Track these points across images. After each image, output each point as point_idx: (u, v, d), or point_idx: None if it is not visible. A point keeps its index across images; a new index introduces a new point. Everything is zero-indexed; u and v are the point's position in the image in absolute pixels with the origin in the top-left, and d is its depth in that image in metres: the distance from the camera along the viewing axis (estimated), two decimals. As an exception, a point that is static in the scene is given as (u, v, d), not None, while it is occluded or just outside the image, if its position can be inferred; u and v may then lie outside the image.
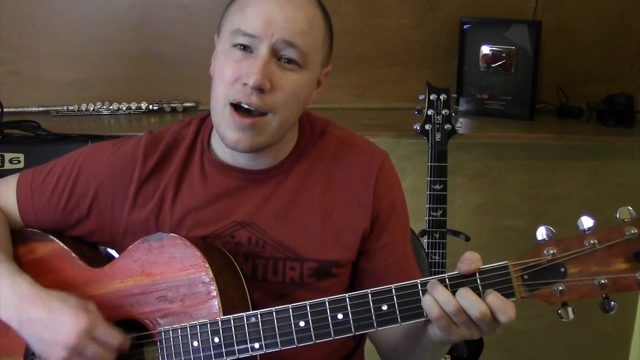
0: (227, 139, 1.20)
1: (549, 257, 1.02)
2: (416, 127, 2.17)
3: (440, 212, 2.13)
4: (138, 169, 1.29)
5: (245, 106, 1.17)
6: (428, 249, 2.12)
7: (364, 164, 1.31)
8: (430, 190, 2.13)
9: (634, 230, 0.99)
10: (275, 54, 1.16)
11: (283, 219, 1.26)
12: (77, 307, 1.15)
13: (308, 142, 1.31)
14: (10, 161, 2.03)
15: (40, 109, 2.46)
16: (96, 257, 1.32)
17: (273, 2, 1.16)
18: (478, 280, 1.05)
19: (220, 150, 1.29)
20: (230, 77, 1.18)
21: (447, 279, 1.06)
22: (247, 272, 1.25)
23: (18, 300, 1.17)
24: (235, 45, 1.17)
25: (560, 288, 1.02)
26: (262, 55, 1.15)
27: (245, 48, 1.17)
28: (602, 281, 1.01)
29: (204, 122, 1.34)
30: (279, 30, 1.15)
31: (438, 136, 2.15)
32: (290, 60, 1.17)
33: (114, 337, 1.16)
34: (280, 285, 1.27)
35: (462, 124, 2.21)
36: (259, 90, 1.15)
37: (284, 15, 1.15)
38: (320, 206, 1.27)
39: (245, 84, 1.16)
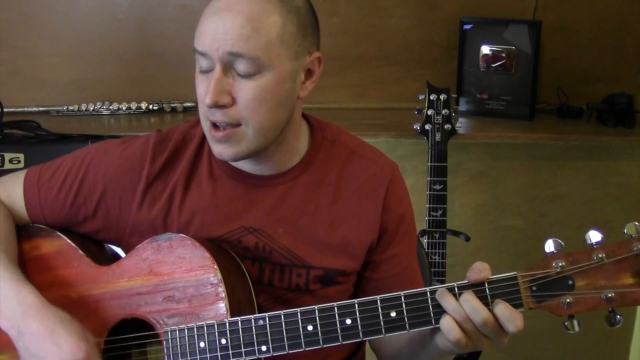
0: (213, 151, 1.22)
1: (558, 270, 1.03)
2: (416, 127, 2.17)
3: (440, 212, 2.13)
4: (146, 169, 1.28)
5: (217, 124, 1.18)
6: (428, 249, 2.12)
7: (374, 175, 1.30)
8: (430, 190, 2.13)
9: None
10: (229, 67, 1.15)
11: (291, 227, 1.26)
12: (78, 336, 1.14)
13: (319, 150, 1.31)
14: (10, 161, 2.03)
15: (40, 109, 2.46)
16: (103, 255, 1.32)
17: (215, 15, 1.15)
18: (487, 290, 1.05)
19: None
20: (200, 99, 1.19)
21: (456, 288, 1.06)
22: (253, 276, 1.25)
23: (21, 311, 1.15)
24: (199, 67, 1.18)
25: (568, 300, 1.03)
26: (214, 73, 1.15)
27: (206, 71, 1.17)
28: (609, 295, 1.02)
29: None
30: (222, 44, 1.13)
31: (438, 136, 2.15)
32: (243, 71, 1.15)
33: None
34: (285, 291, 1.27)
35: (462, 124, 2.21)
36: (220, 107, 1.15)
37: (224, 27, 1.13)
38: (328, 216, 1.27)
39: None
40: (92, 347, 1.15)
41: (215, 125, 1.18)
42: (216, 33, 1.13)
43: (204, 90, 1.16)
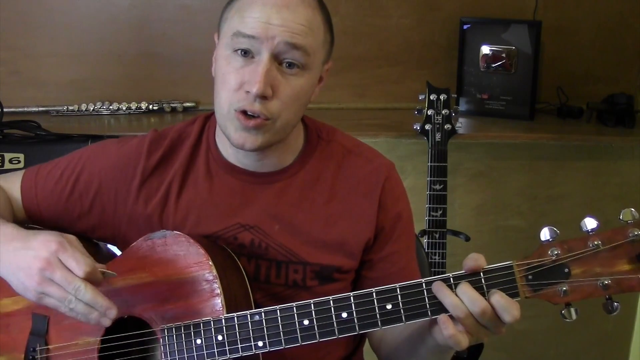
0: (233, 140, 1.20)
1: (553, 258, 1.03)
2: (416, 127, 2.17)
3: (440, 212, 2.13)
4: (142, 164, 1.29)
5: (249, 113, 1.17)
6: (428, 249, 2.12)
7: (370, 174, 1.31)
8: (430, 190, 2.13)
9: (637, 232, 1.00)
10: (276, 58, 1.16)
11: (287, 224, 1.27)
12: (51, 234, 1.10)
13: (314, 149, 1.31)
14: (10, 161, 2.03)
15: (40, 109, 2.46)
16: (97, 255, 1.32)
17: (271, 6, 1.15)
18: (482, 280, 1.05)
19: (225, 150, 1.29)
20: (233, 85, 1.17)
21: (451, 279, 1.06)
22: (249, 273, 1.25)
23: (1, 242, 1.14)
24: (236, 50, 1.17)
25: (564, 288, 1.03)
26: (263, 62, 1.14)
27: (246, 53, 1.16)
28: (606, 282, 1.01)
29: (209, 120, 1.34)
30: (280, 33, 1.14)
31: (438, 136, 2.15)
32: (291, 64, 1.16)
33: (80, 262, 1.06)
34: (283, 287, 1.27)
35: (462, 124, 2.21)
36: (262, 97, 1.15)
37: (283, 19, 1.14)
38: (324, 214, 1.28)
39: (248, 92, 1.15)
40: (69, 240, 1.10)
41: (244, 113, 1.17)
42: (272, 23, 1.14)
43: (246, 75, 1.16)
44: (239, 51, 1.16)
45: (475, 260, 1.05)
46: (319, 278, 1.27)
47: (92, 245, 1.34)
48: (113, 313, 1.07)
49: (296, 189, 1.28)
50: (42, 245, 1.08)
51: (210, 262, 1.15)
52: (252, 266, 1.26)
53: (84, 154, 1.34)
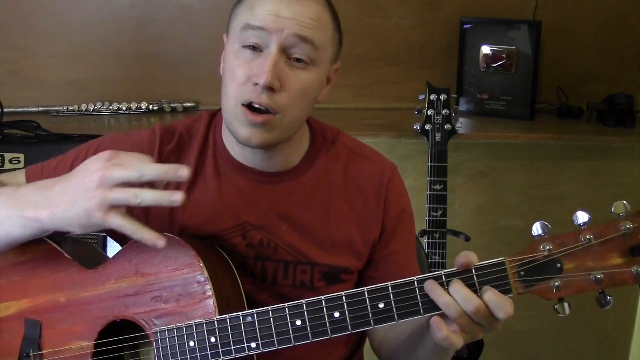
0: (239, 136, 1.20)
1: (545, 253, 1.02)
2: (416, 127, 2.17)
3: (440, 212, 2.13)
4: (156, 155, 1.28)
5: (256, 105, 1.17)
6: (428, 249, 2.12)
7: (375, 174, 1.32)
8: (430, 190, 2.13)
9: (629, 225, 0.99)
10: (285, 51, 1.16)
11: (295, 224, 1.27)
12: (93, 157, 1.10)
13: (320, 150, 1.32)
14: (10, 161, 2.03)
15: (40, 109, 2.46)
16: (89, 259, 1.31)
17: (281, 0, 1.16)
18: (474, 276, 1.04)
19: (232, 149, 1.29)
20: (241, 78, 1.17)
21: (443, 276, 1.05)
22: (256, 274, 1.25)
23: (42, 190, 1.11)
24: (245, 44, 1.17)
25: (557, 284, 1.02)
26: (272, 54, 1.15)
27: (255, 47, 1.16)
28: (598, 276, 1.01)
29: (215, 117, 1.34)
30: (289, 25, 1.14)
31: (438, 136, 2.15)
32: (299, 58, 1.17)
33: (136, 155, 1.08)
34: (290, 288, 1.27)
35: (462, 124, 2.21)
36: (269, 89, 1.15)
37: (292, 11, 1.15)
38: (332, 214, 1.28)
39: (256, 84, 1.15)
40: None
41: (251, 109, 1.17)
42: (281, 15, 1.15)
43: (254, 68, 1.15)
44: (248, 45, 1.17)
45: (467, 256, 1.04)
46: (327, 279, 1.27)
47: (83, 249, 1.31)
48: (184, 172, 1.06)
49: (304, 189, 1.28)
50: (91, 162, 1.08)
51: (200, 264, 1.14)
52: (259, 268, 1.26)
53: (92, 145, 1.31)
